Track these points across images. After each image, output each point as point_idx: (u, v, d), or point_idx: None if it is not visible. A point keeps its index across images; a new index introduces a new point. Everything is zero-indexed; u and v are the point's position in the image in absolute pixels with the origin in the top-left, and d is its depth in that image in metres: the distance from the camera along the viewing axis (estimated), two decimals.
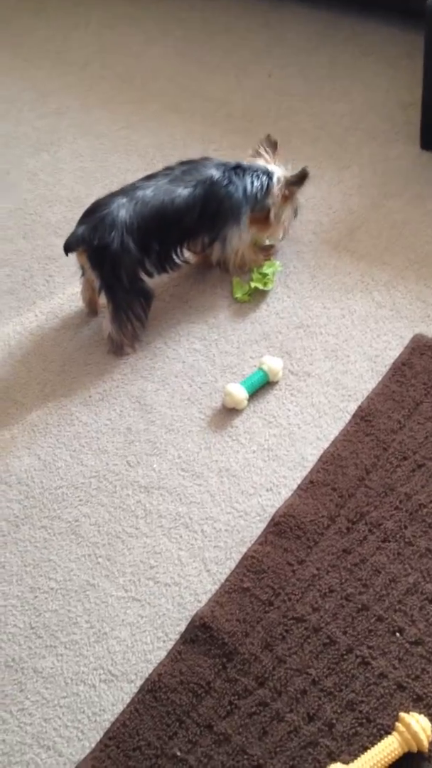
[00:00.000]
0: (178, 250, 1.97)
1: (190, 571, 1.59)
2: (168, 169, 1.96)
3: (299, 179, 2.04)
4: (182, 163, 1.99)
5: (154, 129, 2.65)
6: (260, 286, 2.03)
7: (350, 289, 2.04)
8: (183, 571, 1.59)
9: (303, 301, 2.03)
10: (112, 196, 1.90)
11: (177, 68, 2.92)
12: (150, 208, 1.87)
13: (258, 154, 2.08)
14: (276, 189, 2.00)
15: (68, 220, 2.36)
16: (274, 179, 2.00)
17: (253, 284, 2.03)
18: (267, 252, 2.11)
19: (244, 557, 1.57)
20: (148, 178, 1.95)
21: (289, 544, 1.57)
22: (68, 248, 1.88)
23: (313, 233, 2.20)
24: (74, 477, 1.76)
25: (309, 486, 1.65)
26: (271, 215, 2.02)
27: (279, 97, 2.70)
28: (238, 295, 2.05)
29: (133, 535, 1.66)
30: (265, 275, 2.04)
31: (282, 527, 1.60)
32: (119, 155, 2.57)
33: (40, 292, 2.18)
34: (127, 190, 1.91)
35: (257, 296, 2.05)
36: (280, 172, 2.04)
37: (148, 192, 1.89)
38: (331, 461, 1.68)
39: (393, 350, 1.88)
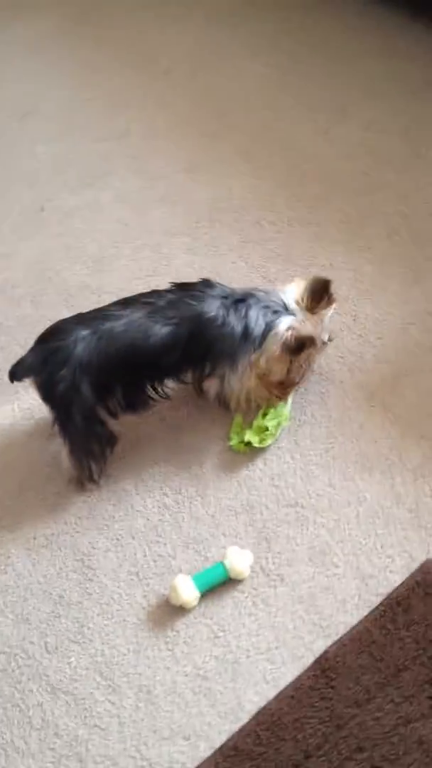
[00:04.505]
0: (154, 388, 1.59)
1: None
2: (151, 296, 1.56)
3: (296, 348, 1.56)
4: (174, 289, 1.58)
5: (214, 178, 2.20)
6: (255, 442, 1.60)
7: (369, 467, 1.58)
8: None
9: (307, 468, 1.60)
10: (76, 324, 1.53)
11: (266, 99, 2.42)
12: (116, 347, 1.49)
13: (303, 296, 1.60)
14: (279, 337, 1.55)
15: (82, 288, 2.02)
16: (281, 321, 1.55)
17: (247, 436, 1.62)
18: (283, 389, 1.67)
19: None
20: (125, 304, 1.56)
21: None
22: (14, 376, 1.54)
23: (349, 370, 1.73)
24: None
25: (231, 755, 1.28)
26: (261, 361, 1.57)
27: (369, 160, 2.17)
28: (234, 442, 1.63)
29: (20, 751, 1.35)
30: (264, 429, 1.62)
31: None
32: (165, 210, 2.15)
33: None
34: (93, 319, 1.53)
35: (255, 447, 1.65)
36: (297, 318, 1.56)
37: (117, 325, 1.50)
38: (268, 726, 1.29)
39: (393, 574, 1.44)
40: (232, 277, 1.93)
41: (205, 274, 1.94)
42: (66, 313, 1.95)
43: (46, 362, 1.50)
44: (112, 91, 2.57)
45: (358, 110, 2.32)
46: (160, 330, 1.50)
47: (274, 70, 2.52)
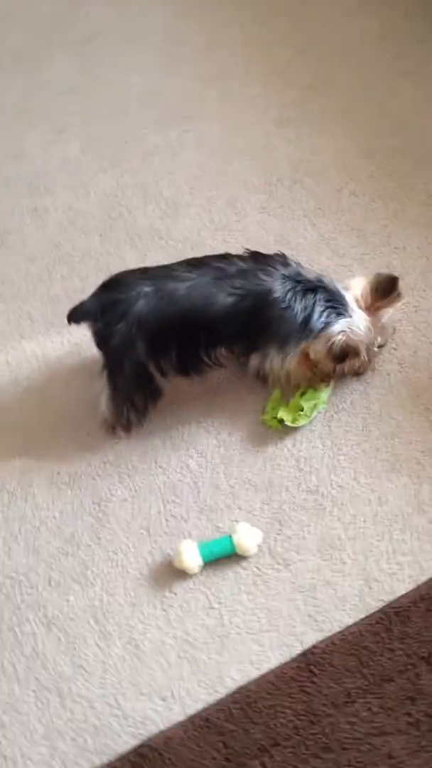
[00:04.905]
0: (208, 354, 1.53)
1: (34, 756, 1.31)
2: (222, 261, 1.48)
3: (340, 356, 1.50)
4: (247, 258, 1.50)
5: (301, 136, 2.07)
6: (287, 421, 1.54)
7: (398, 467, 1.50)
8: (28, 754, 1.31)
9: (335, 459, 1.53)
10: (139, 278, 1.47)
11: (369, 56, 2.24)
12: (176, 309, 1.44)
13: (364, 293, 1.52)
14: (329, 339, 1.48)
15: (151, 231, 1.96)
16: (337, 324, 1.47)
17: (281, 413, 1.56)
18: (325, 375, 1.59)
19: None
20: (194, 265, 1.49)
21: None
22: (71, 318, 1.51)
23: (399, 364, 1.63)
24: None
25: (202, 725, 1.27)
26: (311, 353, 1.51)
27: None
28: (267, 416, 1.58)
29: (6, 673, 1.38)
30: (300, 408, 1.55)
31: (146, 759, 1.26)
32: (246, 162, 2.05)
33: None
34: (158, 276, 1.47)
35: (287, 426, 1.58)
36: (353, 322, 1.49)
37: (181, 287, 1.44)
38: (243, 706, 1.28)
39: (399, 582, 1.37)
40: (300, 244, 1.84)
41: (275, 238, 1.87)
42: (131, 254, 1.93)
43: (104, 311, 1.47)
44: (211, 28, 2.43)
45: None
46: (224, 299, 1.45)
47: (383, 25, 2.33)
